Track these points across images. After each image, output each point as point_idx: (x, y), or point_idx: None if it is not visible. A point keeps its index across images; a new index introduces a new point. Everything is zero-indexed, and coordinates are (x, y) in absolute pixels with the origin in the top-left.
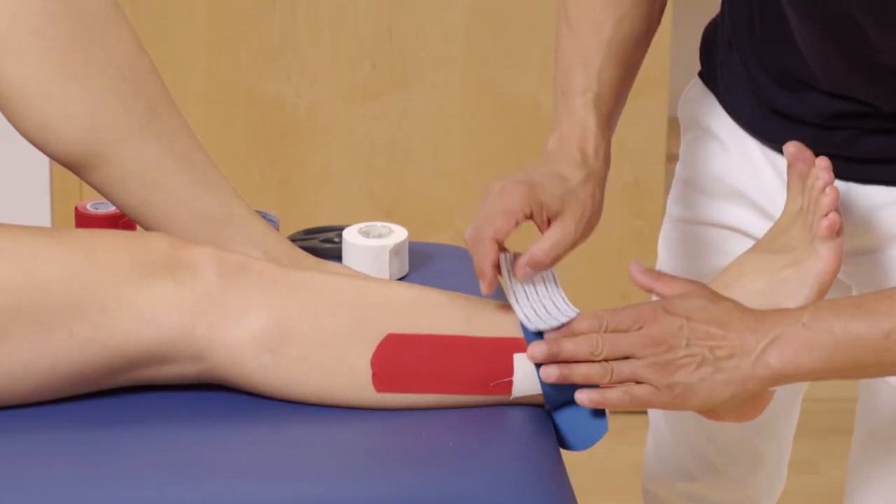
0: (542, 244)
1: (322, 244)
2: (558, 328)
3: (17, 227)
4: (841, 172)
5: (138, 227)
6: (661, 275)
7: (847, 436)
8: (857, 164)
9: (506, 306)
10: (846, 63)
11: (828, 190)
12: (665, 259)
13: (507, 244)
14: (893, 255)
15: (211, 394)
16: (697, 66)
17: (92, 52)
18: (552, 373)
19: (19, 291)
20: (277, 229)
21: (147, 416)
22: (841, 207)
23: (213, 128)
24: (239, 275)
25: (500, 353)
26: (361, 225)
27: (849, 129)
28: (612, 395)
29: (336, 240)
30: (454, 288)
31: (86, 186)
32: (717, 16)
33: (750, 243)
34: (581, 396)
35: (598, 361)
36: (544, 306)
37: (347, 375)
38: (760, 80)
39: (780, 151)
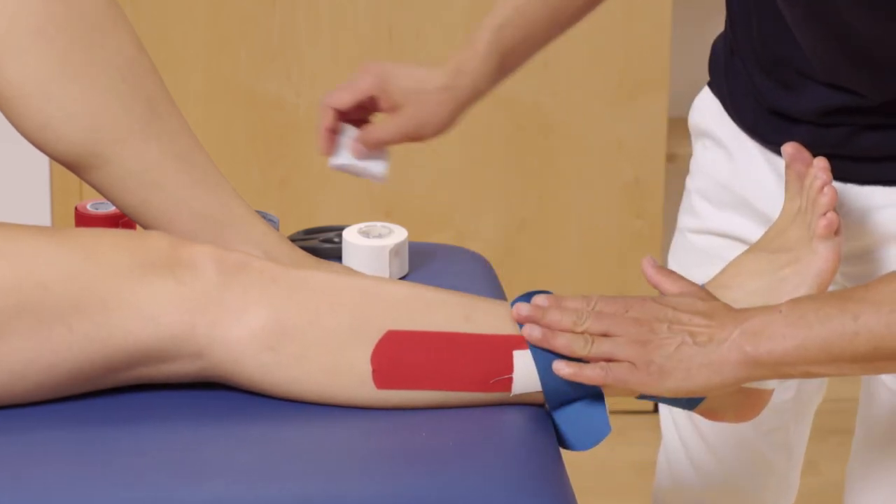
0: (374, 129)
1: (322, 244)
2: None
3: (18, 227)
4: (837, 172)
5: (138, 226)
6: (669, 273)
7: (847, 436)
8: (852, 163)
9: (505, 305)
10: (834, 50)
11: (826, 189)
12: (676, 269)
13: None
14: (890, 256)
15: (211, 393)
16: (697, 67)
17: (92, 52)
18: (535, 332)
19: (20, 290)
20: (277, 229)
21: (147, 415)
22: (838, 208)
23: (213, 128)
24: (239, 273)
25: (499, 350)
26: (361, 225)
27: (843, 125)
28: (589, 371)
29: (336, 240)
30: (454, 288)
31: (86, 186)
32: (725, 26)
33: None
34: (559, 365)
35: (580, 334)
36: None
37: (348, 373)
38: (759, 81)
39: (779, 152)
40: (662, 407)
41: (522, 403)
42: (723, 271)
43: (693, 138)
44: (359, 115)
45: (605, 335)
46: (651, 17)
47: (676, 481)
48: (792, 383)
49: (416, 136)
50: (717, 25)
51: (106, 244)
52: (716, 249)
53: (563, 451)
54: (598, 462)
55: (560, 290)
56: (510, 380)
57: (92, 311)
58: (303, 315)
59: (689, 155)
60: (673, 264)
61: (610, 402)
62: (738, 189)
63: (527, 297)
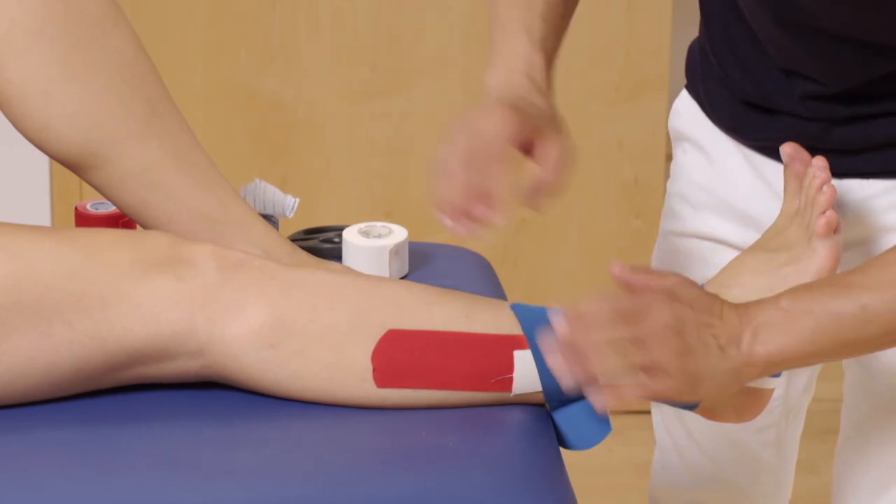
0: (547, 164)
1: (322, 244)
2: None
3: (18, 226)
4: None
5: (138, 226)
6: (647, 269)
7: None
8: (833, 156)
9: (505, 305)
10: (790, 35)
11: (825, 188)
12: None
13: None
14: (882, 246)
15: (211, 393)
16: None
17: (92, 53)
18: (570, 376)
19: (20, 288)
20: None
21: (147, 415)
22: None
23: (213, 128)
24: (239, 270)
25: (500, 349)
26: (361, 225)
27: (819, 120)
28: (628, 392)
29: (336, 240)
30: (454, 288)
31: (86, 186)
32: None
33: (735, 254)
34: (598, 405)
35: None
36: None
37: (347, 371)
38: (731, 71)
39: (758, 149)
40: (654, 408)
41: (523, 403)
42: (723, 270)
43: (673, 143)
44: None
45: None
46: (651, 17)
47: (671, 482)
48: (780, 381)
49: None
50: None
51: (106, 242)
52: (699, 252)
53: (563, 451)
54: (598, 462)
55: (560, 290)
56: (510, 379)
57: (92, 308)
58: (302, 312)
59: None
60: (657, 268)
61: None
62: (718, 191)
63: (530, 310)
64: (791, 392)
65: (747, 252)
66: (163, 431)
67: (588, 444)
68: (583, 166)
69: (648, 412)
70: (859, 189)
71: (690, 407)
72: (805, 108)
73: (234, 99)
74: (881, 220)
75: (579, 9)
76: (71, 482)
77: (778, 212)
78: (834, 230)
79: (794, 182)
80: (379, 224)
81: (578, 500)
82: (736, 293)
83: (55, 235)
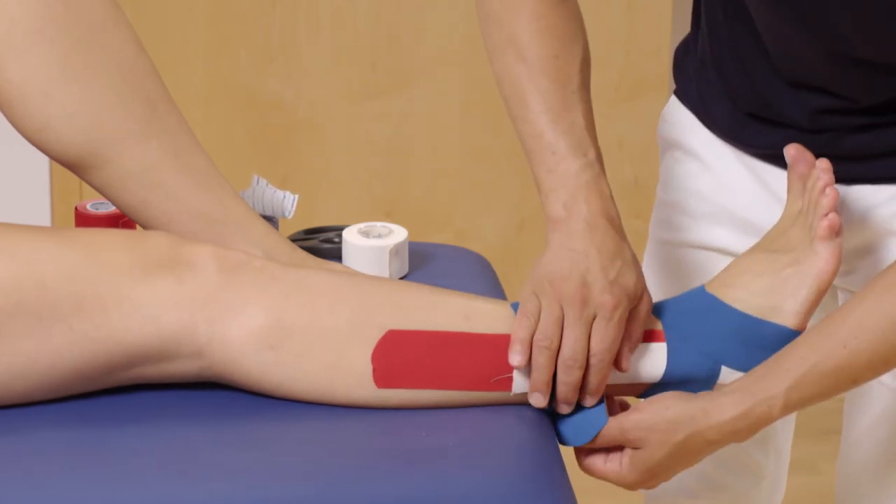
0: (628, 343)
1: (322, 244)
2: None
3: (18, 226)
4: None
5: (138, 226)
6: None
7: None
8: (842, 163)
9: (505, 305)
10: (820, 56)
11: (828, 191)
12: (651, 282)
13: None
14: (884, 255)
15: (211, 393)
16: None
17: (92, 53)
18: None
19: (20, 288)
20: (277, 229)
21: (147, 415)
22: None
23: (213, 128)
24: (239, 272)
25: (499, 349)
26: (361, 225)
27: (831, 130)
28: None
29: (336, 240)
30: (454, 288)
31: (86, 186)
32: (689, 34)
33: None
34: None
35: None
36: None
37: (347, 371)
38: (735, 82)
39: (759, 156)
40: None
41: (523, 403)
42: (724, 271)
43: (662, 151)
44: None
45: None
46: (651, 17)
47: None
48: None
49: None
50: None
51: (106, 243)
52: (699, 262)
53: (563, 451)
54: None
55: None
56: (510, 379)
57: (92, 309)
58: (303, 313)
59: None
60: (648, 276)
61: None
62: (718, 199)
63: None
64: None
65: (749, 253)
66: (163, 431)
67: (585, 438)
68: None
69: None
70: (865, 196)
71: None
72: (815, 121)
73: (234, 99)
74: (887, 226)
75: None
76: (71, 482)
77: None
78: (836, 233)
79: (797, 183)
80: (379, 224)
81: (578, 500)
82: (739, 293)
83: (55, 236)
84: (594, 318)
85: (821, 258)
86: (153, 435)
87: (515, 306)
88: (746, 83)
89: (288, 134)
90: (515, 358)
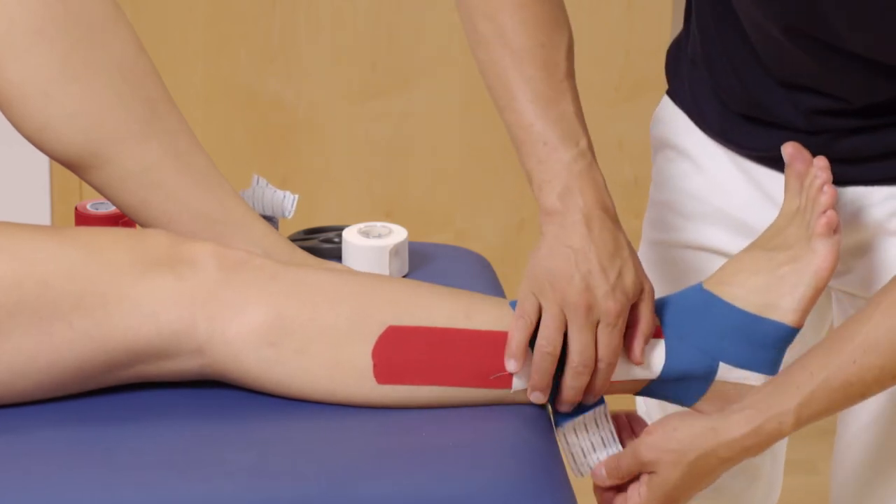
0: (641, 337)
1: (322, 244)
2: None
3: (18, 225)
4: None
5: (138, 226)
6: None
7: None
8: (837, 165)
9: (505, 304)
10: (811, 55)
11: (826, 188)
12: None
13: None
14: (880, 256)
15: (211, 392)
16: None
17: (92, 53)
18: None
19: (20, 287)
20: (277, 229)
21: (147, 414)
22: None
23: (213, 128)
24: (239, 269)
25: (500, 346)
26: (361, 225)
27: (825, 132)
28: None
29: (336, 240)
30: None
31: (86, 186)
32: (681, 33)
33: None
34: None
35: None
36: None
37: (348, 368)
38: (726, 83)
39: (752, 157)
40: (640, 410)
41: (522, 402)
42: (722, 268)
43: (654, 150)
44: None
45: None
46: (651, 17)
47: None
48: None
49: None
50: None
51: (106, 241)
52: (693, 262)
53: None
54: None
55: None
56: (510, 376)
57: (92, 307)
58: (303, 311)
59: None
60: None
61: (611, 402)
62: (711, 200)
63: None
64: None
65: (746, 251)
66: (163, 431)
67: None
68: None
69: None
70: (860, 196)
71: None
72: (809, 122)
73: (234, 99)
74: (882, 226)
75: (579, 9)
76: (71, 482)
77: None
78: (834, 230)
79: (794, 182)
80: (379, 224)
81: (578, 500)
82: (736, 291)
83: (56, 235)
84: (598, 323)
85: (819, 255)
86: (153, 434)
87: (514, 305)
88: (738, 84)
89: (288, 134)
90: (512, 364)
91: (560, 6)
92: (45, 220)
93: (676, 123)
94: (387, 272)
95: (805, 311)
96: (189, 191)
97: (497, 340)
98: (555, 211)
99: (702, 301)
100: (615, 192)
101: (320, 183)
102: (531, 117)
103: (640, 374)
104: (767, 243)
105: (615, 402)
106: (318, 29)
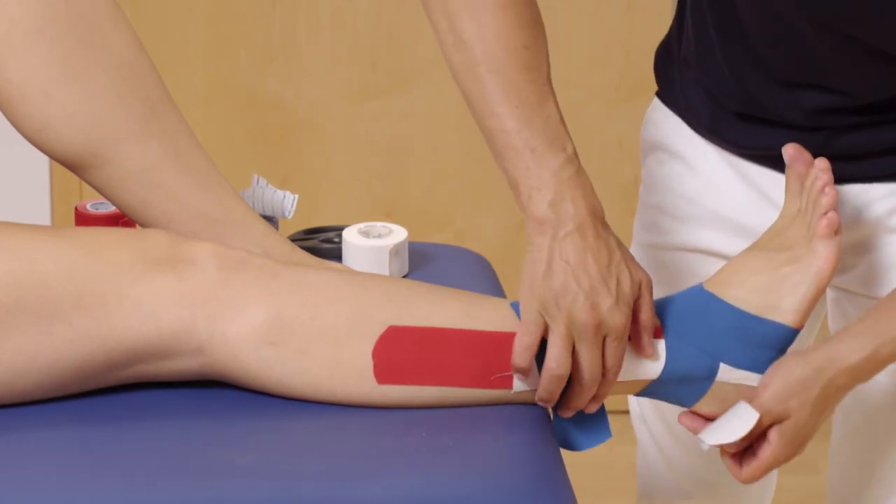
0: (645, 331)
1: (322, 244)
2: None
3: (18, 225)
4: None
5: (138, 226)
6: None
7: None
8: (836, 162)
9: (505, 303)
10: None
11: (827, 190)
12: None
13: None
14: (880, 253)
15: (211, 392)
16: None
17: (92, 53)
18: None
19: (20, 286)
20: (277, 229)
21: (147, 414)
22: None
23: (213, 128)
24: (239, 269)
25: (500, 346)
26: (361, 225)
27: (825, 129)
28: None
29: (336, 240)
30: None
31: (86, 186)
32: (669, 35)
33: None
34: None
35: None
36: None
37: (348, 368)
38: (723, 83)
39: (747, 157)
40: (633, 410)
41: (523, 402)
42: (722, 269)
43: (644, 153)
44: None
45: None
46: (651, 17)
47: (656, 485)
48: None
49: None
50: None
51: (106, 241)
52: (689, 265)
53: (563, 451)
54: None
55: None
56: (511, 376)
57: (93, 307)
58: (303, 310)
59: None
60: None
61: (609, 402)
62: (706, 202)
63: None
64: None
65: (747, 251)
66: (163, 431)
67: (588, 444)
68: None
69: None
70: (858, 193)
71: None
72: (809, 120)
73: (234, 99)
74: (883, 223)
75: (579, 9)
76: (71, 482)
77: (771, 219)
78: (835, 231)
79: (795, 183)
80: (379, 224)
81: (578, 500)
82: (737, 292)
83: (56, 235)
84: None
85: (820, 256)
86: (153, 434)
87: (515, 305)
88: (735, 84)
89: (288, 134)
90: (519, 384)
91: (536, 6)
92: (45, 220)
93: (667, 125)
94: (387, 272)
95: (806, 312)
96: (189, 191)
97: (498, 341)
98: (546, 220)
99: (702, 302)
100: (615, 193)
101: (320, 183)
102: (517, 123)
103: (641, 374)
104: (768, 244)
105: (620, 402)
106: (318, 29)
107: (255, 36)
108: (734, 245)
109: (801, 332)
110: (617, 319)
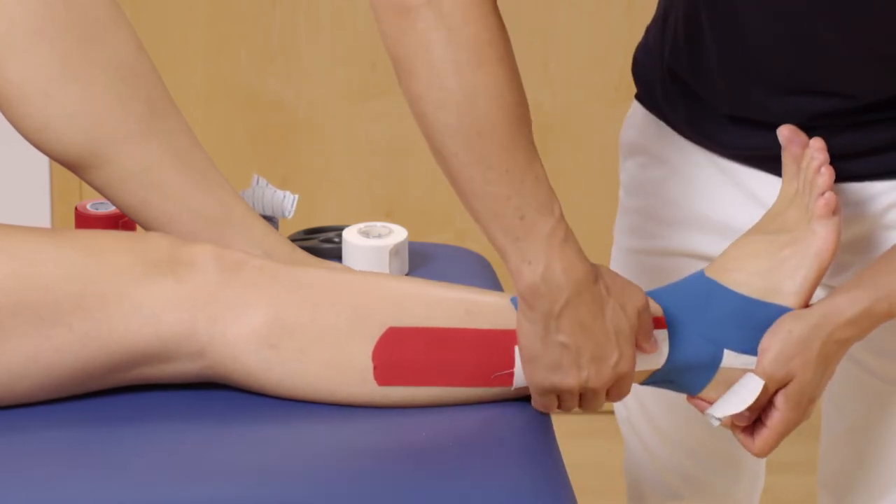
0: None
1: (322, 244)
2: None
3: (18, 227)
4: None
5: (138, 227)
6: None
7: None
8: (832, 161)
9: (505, 299)
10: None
11: (823, 170)
12: None
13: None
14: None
15: (211, 393)
16: None
17: (92, 53)
18: None
19: (20, 289)
20: (277, 229)
21: (147, 416)
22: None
23: (213, 128)
24: (239, 271)
25: (500, 344)
26: (361, 225)
27: (821, 129)
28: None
29: (336, 240)
30: None
31: (86, 186)
32: (646, 39)
33: None
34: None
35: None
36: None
37: (348, 369)
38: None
39: (740, 159)
40: (620, 415)
41: (523, 399)
42: (723, 255)
43: (623, 157)
44: None
45: None
46: (651, 17)
47: (646, 488)
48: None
49: None
50: None
51: (106, 244)
52: (676, 269)
53: (563, 451)
54: (598, 462)
55: None
56: (511, 374)
57: (92, 310)
58: (303, 311)
59: None
60: None
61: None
62: (693, 205)
63: None
64: None
65: (746, 235)
66: (163, 431)
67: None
68: (583, 166)
69: None
70: (855, 191)
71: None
72: (805, 120)
73: (234, 99)
74: (881, 221)
75: (579, 9)
76: (71, 482)
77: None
78: (833, 211)
79: (792, 164)
80: (379, 224)
81: (578, 500)
82: (737, 276)
83: (56, 237)
84: None
85: (819, 237)
86: (154, 435)
87: (514, 301)
88: (732, 92)
89: (288, 134)
90: (519, 382)
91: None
92: (45, 220)
93: (649, 128)
94: (387, 272)
95: (808, 294)
96: (189, 191)
97: (498, 339)
98: (538, 293)
99: (704, 288)
100: (615, 193)
101: (320, 183)
102: (506, 189)
103: (644, 364)
104: (767, 227)
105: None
106: (318, 29)
107: (255, 36)
108: (722, 247)
109: None
110: (622, 370)
